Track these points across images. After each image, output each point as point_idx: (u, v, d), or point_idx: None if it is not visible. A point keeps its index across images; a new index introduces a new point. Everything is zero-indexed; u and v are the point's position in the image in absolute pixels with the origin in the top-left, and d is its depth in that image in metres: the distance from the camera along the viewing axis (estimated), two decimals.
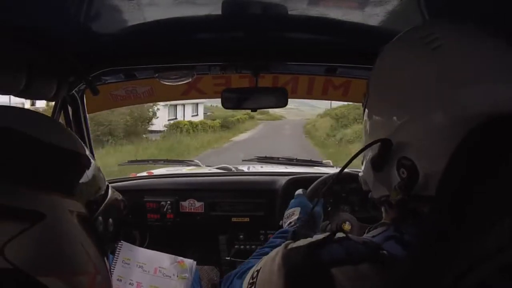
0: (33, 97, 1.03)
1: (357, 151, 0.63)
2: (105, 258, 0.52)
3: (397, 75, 0.55)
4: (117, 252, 1.07)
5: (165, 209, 1.73)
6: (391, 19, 0.84)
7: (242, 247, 1.77)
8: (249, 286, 0.61)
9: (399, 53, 0.58)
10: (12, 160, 0.43)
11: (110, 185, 0.58)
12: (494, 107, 0.46)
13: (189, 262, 1.08)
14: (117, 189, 1.90)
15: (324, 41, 1.13)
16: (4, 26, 0.81)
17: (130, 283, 1.02)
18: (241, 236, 1.78)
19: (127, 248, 1.08)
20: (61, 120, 1.46)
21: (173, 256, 1.09)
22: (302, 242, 0.58)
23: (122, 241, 1.09)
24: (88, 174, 0.50)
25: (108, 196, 0.54)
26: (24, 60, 0.91)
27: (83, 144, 0.53)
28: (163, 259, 1.08)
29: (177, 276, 1.05)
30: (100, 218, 0.50)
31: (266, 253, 0.68)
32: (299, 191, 1.24)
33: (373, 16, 0.85)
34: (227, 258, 1.75)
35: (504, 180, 0.42)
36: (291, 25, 0.99)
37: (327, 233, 0.57)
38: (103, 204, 0.52)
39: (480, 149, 0.44)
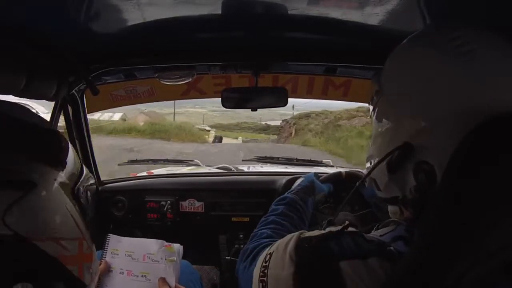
0: (33, 97, 1.03)
1: (380, 159, 0.61)
2: (90, 230, 0.57)
3: (418, 76, 0.54)
4: (106, 245, 1.08)
5: (165, 209, 1.73)
6: (391, 19, 0.84)
7: (242, 246, 1.77)
8: (262, 269, 0.62)
9: (422, 54, 0.56)
10: (6, 136, 0.48)
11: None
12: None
13: (176, 246, 1.09)
14: (117, 189, 1.90)
15: (324, 41, 1.13)
16: (4, 26, 0.81)
17: (120, 272, 1.03)
18: (241, 236, 1.78)
19: (115, 240, 1.09)
20: (61, 120, 1.46)
21: (160, 241, 1.10)
22: (315, 232, 0.59)
23: (110, 234, 1.10)
24: (68, 152, 0.56)
25: (84, 174, 0.60)
26: (24, 60, 0.91)
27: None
28: (151, 245, 1.09)
29: (166, 259, 1.06)
30: (81, 188, 0.56)
31: (271, 222, 0.78)
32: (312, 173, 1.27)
33: (373, 16, 0.85)
34: (227, 257, 1.75)
35: (506, 178, 0.42)
36: (291, 25, 0.99)
37: (340, 226, 0.57)
38: (82, 178, 0.58)
39: (481, 148, 0.44)
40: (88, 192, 0.60)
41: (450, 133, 0.49)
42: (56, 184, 0.50)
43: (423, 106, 0.53)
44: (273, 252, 0.61)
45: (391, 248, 0.52)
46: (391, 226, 0.59)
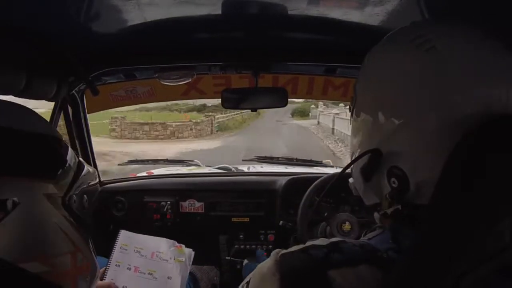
0: (33, 97, 1.03)
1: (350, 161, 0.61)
2: (87, 237, 0.53)
3: (387, 78, 0.53)
4: (116, 240, 1.09)
5: (165, 209, 1.73)
6: (391, 19, 0.84)
7: (242, 247, 1.77)
8: None
9: (388, 55, 0.55)
10: None
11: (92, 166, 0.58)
12: (488, 109, 0.45)
13: (187, 250, 1.10)
14: (117, 189, 1.90)
15: (324, 41, 1.13)
16: (4, 26, 0.81)
17: (128, 268, 1.04)
18: (241, 236, 1.78)
19: (126, 235, 1.11)
20: (61, 120, 1.46)
21: (171, 241, 1.11)
22: (295, 247, 0.56)
23: (121, 230, 1.11)
24: (58, 156, 0.50)
25: (82, 174, 0.54)
26: (24, 60, 0.91)
27: (51, 125, 0.53)
28: (161, 244, 1.10)
29: (174, 259, 1.06)
30: (74, 196, 0.51)
31: None
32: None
33: (373, 16, 0.85)
34: (227, 258, 1.76)
35: (501, 181, 0.42)
36: (291, 25, 0.99)
37: (324, 239, 0.56)
38: (76, 182, 0.52)
39: (476, 151, 0.44)
40: (85, 196, 0.56)
41: (416, 133, 0.49)
42: (43, 199, 0.45)
43: (387, 108, 0.52)
44: (249, 280, 0.58)
45: (383, 254, 0.51)
46: (378, 230, 0.58)
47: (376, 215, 0.60)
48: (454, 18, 0.55)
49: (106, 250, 1.17)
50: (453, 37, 0.51)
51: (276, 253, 0.56)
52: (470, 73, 0.47)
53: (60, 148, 0.51)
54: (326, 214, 1.46)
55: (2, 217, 0.40)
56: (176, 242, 1.11)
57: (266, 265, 0.56)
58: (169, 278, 1.04)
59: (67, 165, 0.51)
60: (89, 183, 0.59)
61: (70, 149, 0.54)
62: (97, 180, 0.59)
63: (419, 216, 0.51)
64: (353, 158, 0.60)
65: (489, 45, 0.50)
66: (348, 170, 0.63)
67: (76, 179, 0.52)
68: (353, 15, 0.89)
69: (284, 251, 0.56)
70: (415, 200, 0.50)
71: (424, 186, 0.49)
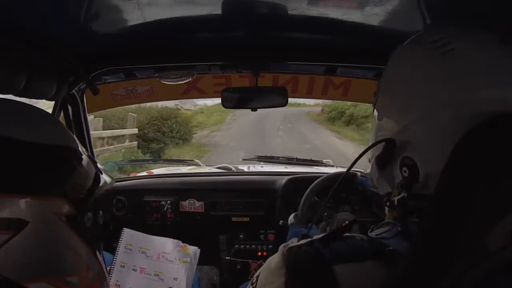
0: (33, 97, 1.03)
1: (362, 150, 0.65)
2: (98, 251, 0.51)
3: (405, 77, 0.56)
4: (120, 239, 1.08)
5: (165, 209, 1.74)
6: (391, 19, 0.84)
7: (242, 247, 1.78)
8: None
9: (408, 55, 0.59)
10: None
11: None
12: (502, 108, 0.47)
13: (192, 249, 1.10)
14: (117, 189, 1.89)
15: (324, 41, 1.13)
16: (4, 26, 0.81)
17: (133, 269, 1.03)
18: (241, 236, 1.78)
19: (129, 234, 1.10)
20: (61, 120, 1.46)
21: (176, 240, 1.11)
22: (302, 241, 0.57)
23: (124, 228, 1.11)
24: (75, 170, 0.47)
25: (98, 186, 0.50)
26: (24, 60, 0.91)
27: (70, 135, 0.50)
28: (166, 244, 1.10)
29: (179, 260, 1.06)
30: (89, 213, 0.48)
31: None
32: (291, 219, 1.26)
33: (373, 16, 0.85)
34: (227, 258, 1.76)
35: (505, 177, 0.42)
36: (291, 25, 0.99)
37: (329, 232, 0.57)
38: (92, 197, 0.48)
39: (481, 146, 0.45)
40: (101, 212, 0.51)
41: (430, 128, 0.51)
42: (54, 217, 0.42)
43: (406, 104, 0.55)
44: (260, 272, 0.59)
45: (390, 248, 0.52)
46: (386, 227, 0.59)
47: (386, 208, 0.61)
48: (460, 18, 0.56)
49: (106, 249, 1.18)
50: (472, 41, 0.53)
51: (283, 247, 0.57)
52: (485, 74, 0.49)
53: (75, 160, 0.47)
54: (326, 214, 1.45)
55: (10, 237, 0.39)
56: (180, 242, 1.10)
57: (274, 259, 0.57)
58: (175, 279, 1.03)
59: (81, 180, 0.47)
60: (106, 198, 0.56)
61: (86, 159, 0.50)
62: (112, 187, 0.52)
63: (424, 207, 0.51)
64: (371, 151, 0.63)
65: (505, 49, 0.52)
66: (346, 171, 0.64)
67: (91, 194, 0.48)
68: (353, 15, 0.89)
69: (291, 244, 0.57)
70: (422, 190, 0.52)
71: (432, 178, 0.50)
